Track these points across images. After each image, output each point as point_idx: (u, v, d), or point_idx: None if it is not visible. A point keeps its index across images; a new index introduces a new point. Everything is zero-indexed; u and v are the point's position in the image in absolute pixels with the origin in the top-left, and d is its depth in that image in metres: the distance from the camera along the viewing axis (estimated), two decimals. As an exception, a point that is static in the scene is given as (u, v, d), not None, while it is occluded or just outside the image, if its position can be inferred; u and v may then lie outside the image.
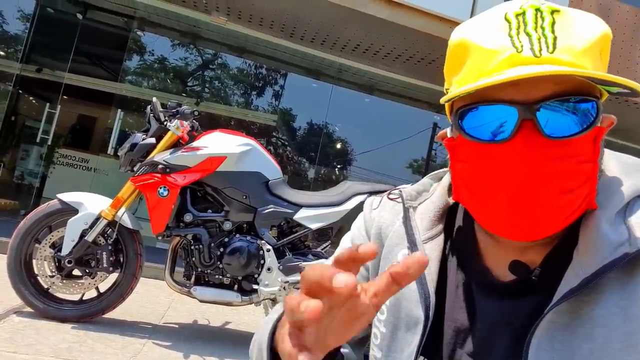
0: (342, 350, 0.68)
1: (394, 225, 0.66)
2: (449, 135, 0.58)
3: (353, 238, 0.73)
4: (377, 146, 7.35)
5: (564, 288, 0.49)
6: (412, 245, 0.61)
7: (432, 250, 0.61)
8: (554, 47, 0.48)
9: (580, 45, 0.48)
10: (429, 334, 0.57)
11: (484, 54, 0.50)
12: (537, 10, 0.50)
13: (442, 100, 0.53)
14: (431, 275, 0.59)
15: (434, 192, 0.66)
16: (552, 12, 0.50)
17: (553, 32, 0.48)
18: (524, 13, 0.50)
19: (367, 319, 0.37)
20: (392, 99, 7.15)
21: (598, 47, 0.50)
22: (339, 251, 0.74)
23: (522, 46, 0.48)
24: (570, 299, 0.48)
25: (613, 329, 0.47)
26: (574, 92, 0.48)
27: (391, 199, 0.70)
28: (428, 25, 4.73)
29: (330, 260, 0.73)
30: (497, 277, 0.57)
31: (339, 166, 7.72)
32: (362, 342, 0.72)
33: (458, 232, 0.63)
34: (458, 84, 0.54)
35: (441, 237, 0.62)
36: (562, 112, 0.48)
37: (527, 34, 0.49)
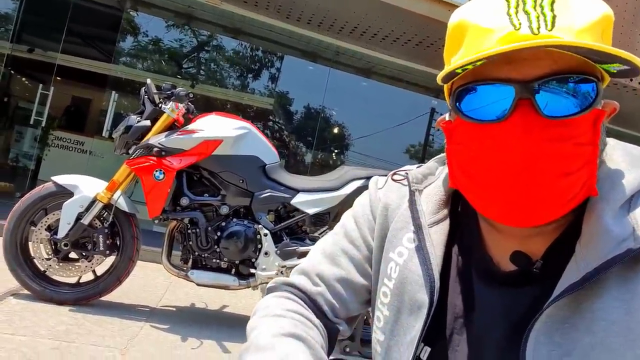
0: (337, 326, 0.68)
1: (399, 208, 0.66)
2: (447, 119, 0.57)
3: (356, 216, 0.72)
4: (374, 131, 7.31)
5: (564, 282, 0.49)
6: (418, 229, 0.61)
7: (437, 234, 0.60)
8: (553, 25, 0.46)
9: (580, 24, 0.47)
10: (431, 319, 0.57)
11: (481, 32, 0.49)
12: None
13: (438, 78, 0.52)
14: (436, 259, 0.59)
15: (439, 176, 0.66)
16: None
17: (552, 10, 0.47)
18: None
19: None
20: (389, 82, 7.09)
21: (599, 28, 0.48)
22: (339, 226, 0.74)
23: (520, 24, 0.47)
24: (571, 293, 0.48)
25: (614, 322, 0.46)
26: (573, 71, 0.47)
27: (396, 180, 0.69)
28: (427, 8, 4.66)
29: (335, 234, 0.73)
30: (498, 266, 0.57)
31: (336, 150, 7.69)
32: (353, 320, 0.72)
33: (462, 218, 0.62)
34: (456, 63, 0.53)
35: (447, 222, 0.62)
36: (560, 92, 0.47)
37: (526, 13, 0.48)
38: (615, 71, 0.48)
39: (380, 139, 7.23)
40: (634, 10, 5.25)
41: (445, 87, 0.56)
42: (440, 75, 0.51)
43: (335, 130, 7.56)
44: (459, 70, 0.49)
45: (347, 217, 0.73)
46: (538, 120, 0.47)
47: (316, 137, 7.03)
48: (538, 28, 0.47)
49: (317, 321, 0.64)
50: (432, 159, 0.70)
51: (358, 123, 7.44)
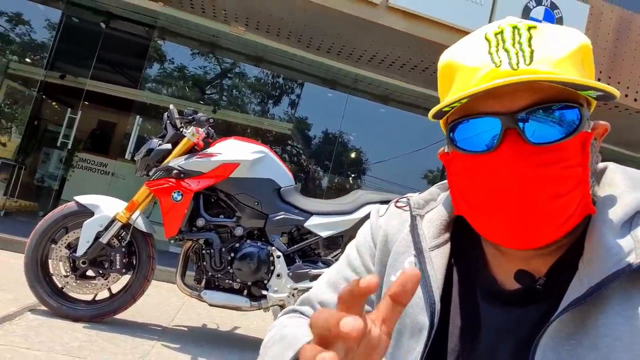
0: None
1: (400, 233, 0.67)
2: (445, 151, 0.61)
3: (358, 245, 0.74)
4: (391, 156, 7.33)
5: (570, 297, 0.49)
6: (419, 253, 0.62)
7: (438, 258, 0.62)
8: (531, 60, 0.50)
9: (558, 56, 0.50)
10: (432, 341, 0.57)
11: (466, 71, 0.53)
12: (515, 27, 0.53)
13: (429, 115, 0.56)
14: (437, 282, 0.60)
15: (441, 202, 0.68)
16: (529, 29, 0.52)
17: (530, 46, 0.51)
18: (502, 32, 0.53)
19: (384, 348, 0.38)
20: (407, 109, 7.14)
21: (578, 57, 0.52)
22: (343, 256, 0.76)
23: (500, 61, 0.51)
24: (575, 308, 0.49)
25: (618, 338, 0.47)
26: (555, 100, 0.50)
27: (398, 207, 0.71)
28: (445, 37, 4.73)
29: (339, 264, 0.76)
30: (502, 286, 0.58)
31: (352, 175, 7.72)
32: None
33: (464, 241, 0.64)
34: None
35: (447, 246, 0.63)
36: (545, 120, 0.50)
37: (506, 50, 0.51)
38: (595, 97, 0.52)
39: (397, 164, 7.23)
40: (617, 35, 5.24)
41: (441, 122, 0.61)
42: (431, 112, 0.55)
43: (352, 155, 7.60)
44: (447, 108, 0.53)
45: (350, 247, 0.76)
46: (525, 147, 0.50)
47: (333, 161, 7.08)
48: (517, 63, 0.50)
49: None
50: (434, 185, 0.72)
51: (375, 148, 7.48)
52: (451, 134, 0.56)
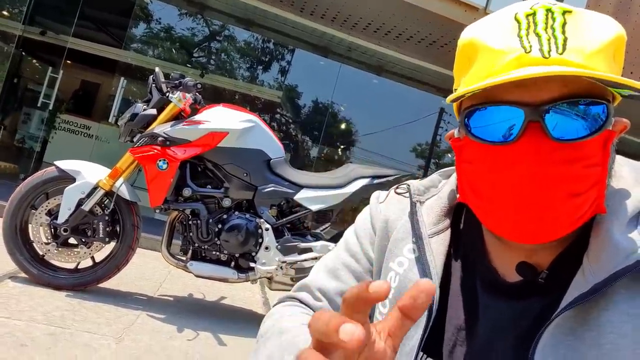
0: None
1: (400, 219, 0.66)
2: (455, 136, 0.57)
3: (357, 230, 0.72)
4: (382, 128, 7.27)
5: (573, 293, 0.48)
6: (418, 240, 0.61)
7: (437, 245, 0.61)
8: (564, 48, 0.46)
9: (591, 47, 0.47)
10: (430, 330, 0.57)
11: (492, 54, 0.49)
12: (548, 10, 0.49)
13: (447, 100, 0.51)
14: (436, 269, 0.59)
15: (442, 189, 0.66)
16: (564, 13, 0.49)
17: (564, 32, 0.47)
18: (534, 13, 0.49)
19: None
20: (400, 81, 7.03)
21: (611, 49, 0.48)
22: (341, 241, 0.74)
23: (530, 47, 0.47)
24: (578, 305, 0.48)
25: (622, 336, 0.46)
26: (583, 94, 0.47)
27: (398, 194, 0.69)
28: (443, 8, 4.61)
29: (337, 249, 0.72)
30: (503, 277, 0.57)
31: (342, 147, 7.65)
32: None
33: (465, 230, 0.62)
34: (466, 83, 0.53)
35: (447, 233, 0.62)
36: (570, 115, 0.47)
37: (537, 35, 0.48)
38: (626, 95, 0.48)
39: (388, 136, 7.19)
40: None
41: (455, 105, 0.57)
42: (450, 97, 0.51)
43: (343, 126, 7.52)
44: (467, 92, 0.49)
45: (349, 232, 0.74)
46: (547, 143, 0.47)
47: (323, 132, 6.99)
48: (549, 51, 0.46)
49: None
50: (436, 172, 0.71)
51: (366, 120, 7.40)
52: (466, 120, 0.52)
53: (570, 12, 0.49)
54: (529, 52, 0.47)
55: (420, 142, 7.58)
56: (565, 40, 0.47)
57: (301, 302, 0.70)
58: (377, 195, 0.73)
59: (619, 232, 0.49)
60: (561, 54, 0.46)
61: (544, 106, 0.47)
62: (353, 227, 0.74)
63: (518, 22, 0.49)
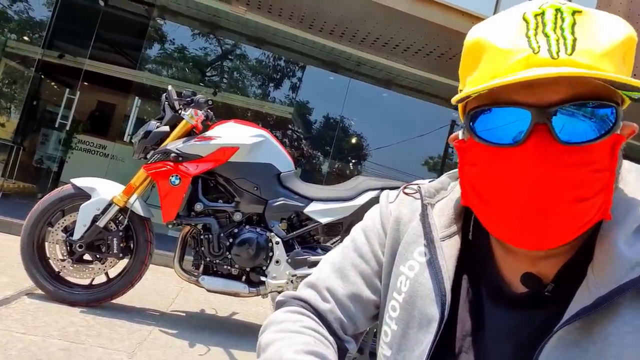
0: (346, 344, 0.67)
1: (411, 222, 0.65)
2: (460, 138, 0.56)
3: (366, 230, 0.70)
4: (393, 142, 7.27)
5: (576, 306, 0.48)
6: (430, 243, 0.60)
7: (449, 248, 0.59)
8: (573, 49, 0.45)
9: (601, 48, 0.45)
10: (441, 334, 0.56)
11: (499, 54, 0.48)
12: (558, 10, 0.47)
13: (453, 101, 0.51)
14: (448, 273, 0.57)
15: (452, 191, 0.65)
16: (573, 13, 0.47)
17: (573, 33, 0.46)
18: (543, 13, 0.48)
19: None
20: (410, 94, 7.05)
21: (621, 51, 0.47)
22: (349, 240, 0.72)
23: (539, 47, 0.46)
24: (582, 317, 0.47)
25: (626, 347, 0.45)
26: (592, 97, 0.46)
27: (408, 194, 0.68)
28: (449, 20, 4.63)
29: (345, 248, 0.71)
30: (509, 287, 0.56)
31: (353, 161, 7.66)
32: (360, 336, 0.71)
33: (474, 235, 0.61)
34: (471, 84, 0.52)
35: (458, 237, 0.61)
36: (578, 117, 0.46)
37: (546, 35, 0.46)
38: (635, 98, 0.47)
39: (399, 150, 7.18)
40: (665, 26, 5.10)
41: (460, 106, 0.55)
42: (455, 98, 0.50)
43: (353, 140, 7.54)
44: (473, 94, 0.48)
45: (357, 231, 0.72)
46: (554, 146, 0.45)
47: (334, 146, 7.02)
48: (557, 52, 0.45)
49: (331, 338, 0.64)
50: (445, 173, 0.69)
51: (376, 133, 7.41)
52: (471, 123, 0.51)
53: (580, 12, 0.47)
54: (537, 52, 0.45)
55: (432, 155, 7.54)
56: (574, 41, 0.45)
57: (308, 302, 0.67)
58: (386, 195, 0.71)
59: (624, 242, 0.48)
60: (570, 55, 0.45)
61: (551, 108, 0.45)
62: (361, 226, 0.72)
63: (526, 21, 0.48)
